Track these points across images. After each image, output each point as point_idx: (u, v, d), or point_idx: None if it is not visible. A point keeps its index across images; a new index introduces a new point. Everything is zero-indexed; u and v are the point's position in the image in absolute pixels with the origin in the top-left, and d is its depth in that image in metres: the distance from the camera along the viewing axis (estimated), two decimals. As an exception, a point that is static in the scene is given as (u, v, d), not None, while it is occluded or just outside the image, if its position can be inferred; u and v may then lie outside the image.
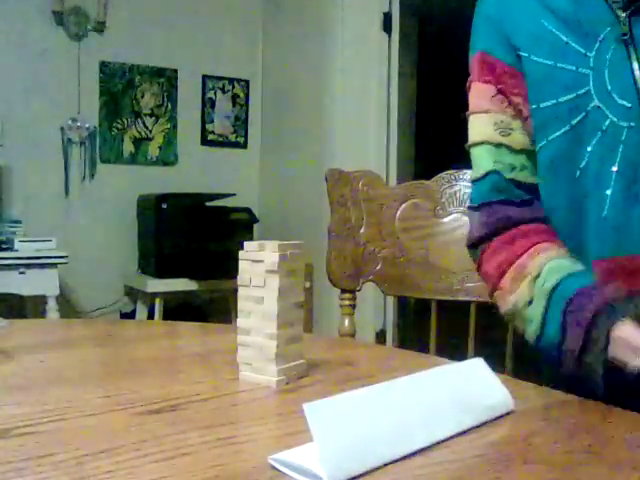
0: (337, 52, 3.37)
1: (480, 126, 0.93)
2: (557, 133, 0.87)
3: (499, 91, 0.91)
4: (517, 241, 0.88)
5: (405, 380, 0.63)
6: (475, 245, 0.94)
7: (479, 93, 0.93)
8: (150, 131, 3.76)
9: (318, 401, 0.53)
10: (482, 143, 0.92)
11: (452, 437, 0.60)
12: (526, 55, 0.89)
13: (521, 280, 0.85)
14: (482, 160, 0.93)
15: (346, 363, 0.94)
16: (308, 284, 3.24)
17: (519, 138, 0.91)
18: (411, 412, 0.59)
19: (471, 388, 0.67)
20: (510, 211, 0.91)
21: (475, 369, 0.70)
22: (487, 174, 0.92)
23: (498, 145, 0.91)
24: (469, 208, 0.96)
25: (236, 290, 0.83)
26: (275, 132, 3.93)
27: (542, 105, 0.87)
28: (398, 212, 1.31)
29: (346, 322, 1.31)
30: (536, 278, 0.84)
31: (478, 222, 0.93)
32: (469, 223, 0.96)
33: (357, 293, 1.33)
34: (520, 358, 1.21)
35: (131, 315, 3.55)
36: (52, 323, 1.98)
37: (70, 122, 3.50)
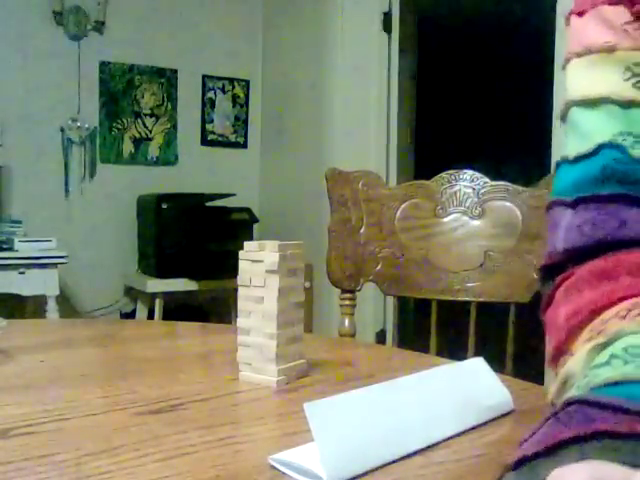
0: (337, 52, 3.37)
1: (594, 73, 0.53)
2: None
3: (636, 15, 0.51)
4: (623, 276, 0.46)
5: (405, 380, 0.63)
6: (555, 268, 0.51)
7: (596, 23, 0.53)
8: (150, 131, 3.76)
9: (319, 401, 0.53)
10: (597, 102, 0.52)
11: (452, 437, 0.60)
12: None
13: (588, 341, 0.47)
14: (594, 126, 0.52)
15: (346, 363, 0.94)
16: (308, 284, 3.24)
17: None
18: (411, 412, 0.59)
19: (471, 388, 0.67)
20: (631, 215, 0.48)
21: (475, 369, 0.70)
22: (599, 148, 0.50)
23: (627, 105, 0.50)
24: (554, 204, 0.52)
25: (236, 290, 0.83)
26: (275, 132, 3.93)
27: None
28: (398, 212, 1.31)
29: (346, 322, 1.31)
30: (602, 348, 0.44)
31: (570, 228, 0.50)
32: (551, 229, 0.53)
33: (357, 293, 1.33)
34: (520, 358, 1.21)
35: (131, 315, 3.55)
36: (52, 323, 1.98)
37: (70, 122, 3.50)
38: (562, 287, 0.50)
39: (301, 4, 3.70)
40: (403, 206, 1.31)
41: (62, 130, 3.48)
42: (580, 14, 0.54)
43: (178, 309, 3.48)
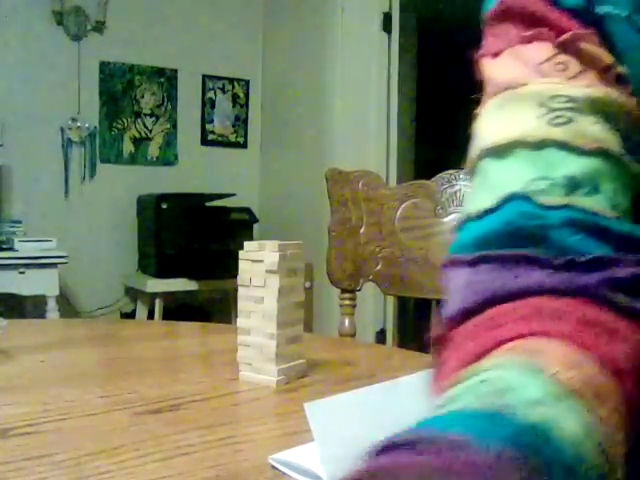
0: (337, 52, 3.37)
1: (505, 116, 0.44)
2: None
3: (561, 47, 0.43)
4: (510, 323, 0.37)
5: (406, 379, 0.63)
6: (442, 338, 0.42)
7: (510, 62, 0.45)
8: (150, 131, 3.76)
9: (319, 400, 0.53)
10: (507, 148, 0.43)
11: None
12: None
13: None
14: (505, 176, 0.43)
15: (346, 363, 0.94)
16: (308, 284, 3.24)
17: (592, 129, 0.41)
18: (412, 412, 0.59)
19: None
20: (537, 276, 0.38)
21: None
22: (505, 201, 0.41)
23: (540, 145, 0.41)
24: (451, 263, 0.43)
25: (236, 290, 0.83)
26: (275, 132, 3.93)
27: None
28: (398, 212, 1.31)
29: (346, 322, 1.31)
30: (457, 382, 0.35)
31: (465, 288, 0.41)
32: (447, 292, 0.44)
33: (357, 293, 1.33)
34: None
35: (131, 315, 3.55)
36: (52, 323, 1.98)
37: (70, 122, 3.50)
38: (454, 343, 0.40)
39: (301, 4, 3.70)
40: (403, 206, 1.31)
41: (62, 130, 3.48)
42: (495, 55, 0.47)
43: (178, 309, 3.48)
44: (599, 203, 0.40)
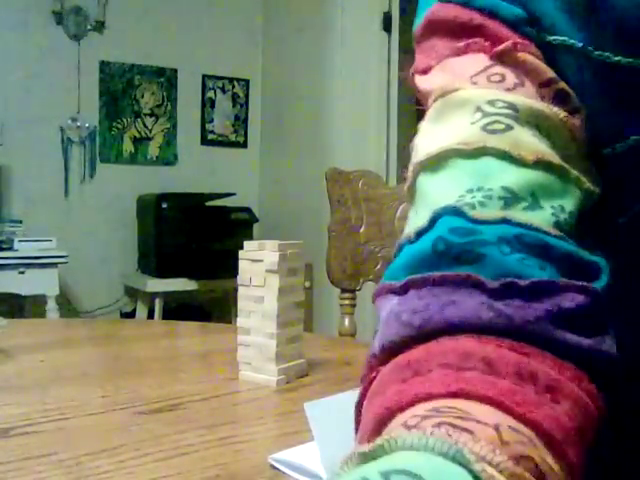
0: (337, 52, 3.37)
1: (438, 126, 0.41)
2: None
3: (498, 57, 0.40)
4: (435, 369, 0.31)
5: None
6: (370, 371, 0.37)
7: (442, 75, 0.42)
8: (150, 131, 3.76)
9: (319, 400, 0.53)
10: (440, 159, 0.39)
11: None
12: None
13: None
14: (439, 190, 0.39)
15: (346, 363, 0.94)
16: (308, 284, 3.24)
17: (531, 139, 0.38)
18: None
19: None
20: (471, 306, 0.33)
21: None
22: (435, 218, 0.37)
23: (475, 154, 0.38)
24: (381, 292, 0.39)
25: (236, 290, 0.83)
26: (275, 132, 3.93)
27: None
28: (398, 211, 1.31)
29: (346, 322, 1.31)
30: (358, 463, 0.29)
31: (390, 319, 0.37)
32: (377, 324, 0.40)
33: (357, 293, 1.33)
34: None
35: (131, 315, 3.55)
36: (52, 323, 1.98)
37: (70, 122, 3.50)
38: (367, 395, 0.35)
39: (301, 4, 3.70)
40: (403, 205, 1.31)
41: (62, 130, 3.48)
42: (424, 72, 0.43)
43: (178, 309, 3.48)
44: (540, 218, 0.35)
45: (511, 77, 0.39)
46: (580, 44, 0.39)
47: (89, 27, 3.54)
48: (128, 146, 3.69)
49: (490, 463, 0.25)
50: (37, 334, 1.12)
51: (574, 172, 0.38)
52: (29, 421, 0.64)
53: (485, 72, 0.39)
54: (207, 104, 3.94)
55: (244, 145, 4.06)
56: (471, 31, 0.40)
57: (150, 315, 3.34)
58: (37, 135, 3.41)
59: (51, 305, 2.97)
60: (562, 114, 0.39)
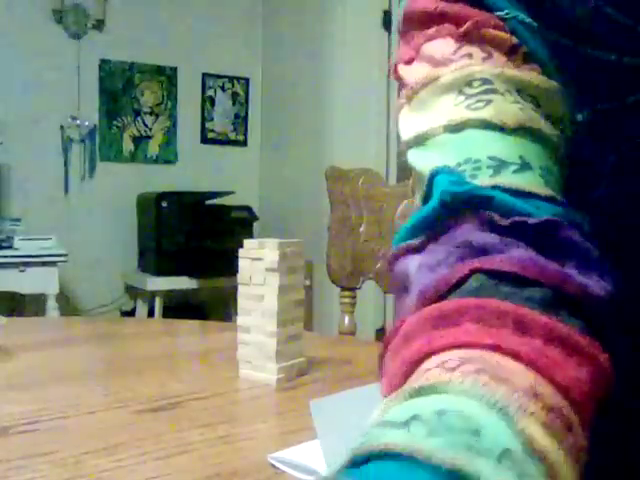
0: (337, 50, 3.37)
1: (424, 110, 0.43)
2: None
3: (464, 38, 0.43)
4: (466, 323, 0.33)
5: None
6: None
7: (422, 64, 0.45)
8: (150, 129, 3.75)
9: (324, 398, 0.53)
10: (427, 137, 0.42)
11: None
12: None
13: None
14: (429, 164, 0.41)
15: (346, 361, 0.94)
16: (308, 282, 3.24)
17: (511, 108, 0.40)
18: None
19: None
20: (487, 240, 0.36)
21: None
22: (432, 177, 0.40)
23: (460, 127, 0.40)
24: (396, 257, 0.40)
25: (236, 288, 0.83)
26: (275, 130, 3.93)
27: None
28: (398, 210, 1.31)
29: (346, 320, 1.31)
30: (406, 398, 0.30)
31: (427, 271, 0.37)
32: (398, 291, 0.41)
33: (357, 291, 1.33)
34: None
35: (131, 313, 3.55)
36: (52, 321, 1.98)
37: (70, 120, 3.50)
38: (391, 343, 0.38)
39: (301, 2, 3.69)
40: (403, 204, 1.31)
41: (62, 128, 3.48)
42: (408, 62, 0.46)
43: (178, 307, 3.48)
44: (530, 180, 0.37)
45: (478, 53, 0.42)
46: (535, 23, 0.42)
47: (89, 25, 3.53)
48: (128, 144, 3.69)
49: (526, 412, 0.27)
50: (37, 333, 1.12)
51: (554, 133, 0.40)
52: (29, 419, 0.64)
53: (456, 53, 0.42)
54: (207, 103, 3.94)
55: (244, 144, 4.06)
56: (438, 18, 0.44)
57: (150, 314, 3.35)
58: (37, 133, 3.41)
59: (51, 303, 2.97)
60: (533, 74, 0.41)
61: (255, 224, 3.52)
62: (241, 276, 0.81)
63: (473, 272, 0.35)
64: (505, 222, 0.35)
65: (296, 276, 0.82)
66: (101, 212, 3.59)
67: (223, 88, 3.99)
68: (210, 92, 3.95)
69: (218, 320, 2.95)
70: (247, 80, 4.05)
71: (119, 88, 3.66)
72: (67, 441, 0.58)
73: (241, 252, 0.81)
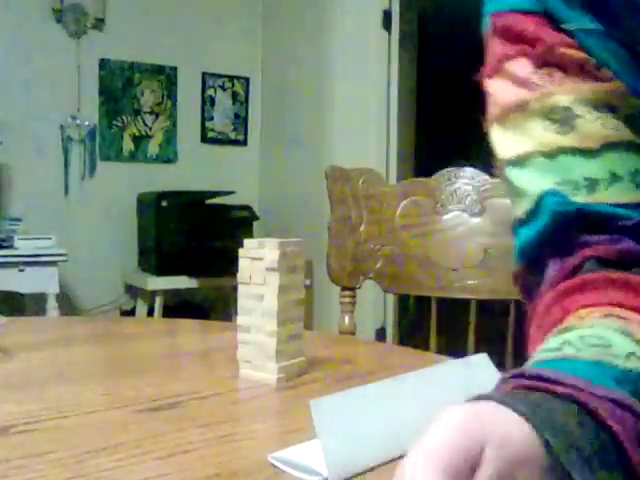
0: (337, 49, 3.36)
1: (517, 132, 0.51)
2: None
3: (542, 59, 0.49)
4: (599, 291, 0.46)
5: (409, 377, 0.63)
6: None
7: (505, 82, 0.52)
8: (150, 129, 3.75)
9: (324, 397, 0.53)
10: (525, 159, 0.50)
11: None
12: None
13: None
14: (528, 184, 0.50)
15: (346, 361, 0.94)
16: (308, 282, 3.24)
17: (593, 128, 0.47)
18: (417, 409, 0.59)
19: (475, 384, 0.67)
20: (595, 239, 0.48)
21: (479, 365, 0.70)
22: (540, 200, 0.49)
23: (555, 153, 0.48)
24: (519, 276, 0.54)
25: (236, 288, 0.83)
26: (275, 130, 3.92)
27: None
28: (398, 210, 1.31)
29: (346, 319, 1.31)
30: (558, 333, 0.43)
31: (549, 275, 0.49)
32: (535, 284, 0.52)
33: (357, 290, 1.33)
34: (520, 356, 1.21)
35: (131, 313, 3.55)
36: (52, 321, 1.98)
37: (70, 120, 3.50)
38: (533, 320, 0.50)
39: (301, 2, 3.69)
40: (403, 203, 1.31)
41: (62, 128, 3.48)
42: (490, 76, 0.54)
43: (178, 307, 3.48)
44: (619, 191, 0.47)
45: (557, 73, 0.49)
46: (601, 27, 0.48)
47: (89, 25, 3.53)
48: (128, 144, 3.69)
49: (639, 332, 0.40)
50: (37, 332, 1.12)
51: (635, 138, 0.48)
52: (29, 419, 0.63)
53: (535, 74, 0.50)
54: (207, 102, 3.94)
55: (244, 143, 4.06)
56: (516, 37, 0.51)
57: (150, 313, 3.35)
58: (37, 133, 3.41)
59: (51, 303, 2.97)
60: (605, 85, 0.48)
61: (255, 224, 3.52)
62: (241, 276, 0.81)
63: (587, 259, 0.47)
64: (612, 226, 0.47)
65: (296, 276, 0.82)
66: (101, 212, 3.59)
67: (223, 87, 3.99)
68: (210, 91, 3.95)
69: (218, 320, 2.95)
70: (247, 80, 4.04)
71: (119, 88, 3.66)
72: (67, 441, 0.58)
73: (241, 252, 0.81)
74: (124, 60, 3.66)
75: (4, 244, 2.95)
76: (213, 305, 3.72)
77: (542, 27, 0.50)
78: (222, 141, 3.99)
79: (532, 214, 0.50)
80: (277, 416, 0.72)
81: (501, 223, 1.23)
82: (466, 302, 1.27)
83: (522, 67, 0.50)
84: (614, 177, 0.47)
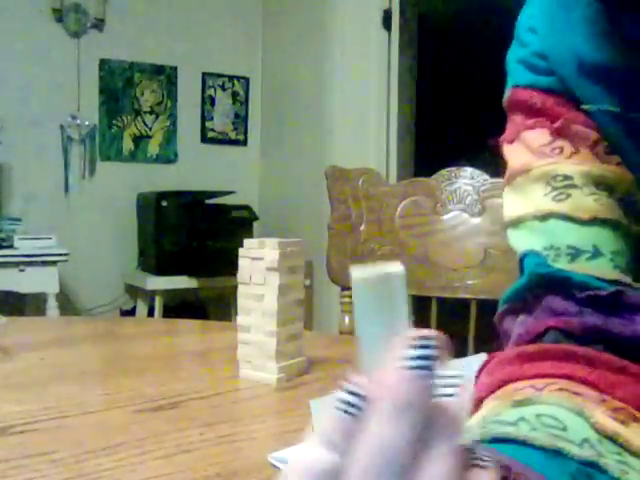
0: (337, 49, 3.36)
1: (519, 195, 0.54)
2: None
3: (557, 132, 0.52)
4: (549, 361, 0.46)
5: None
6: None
7: (520, 149, 0.55)
8: (150, 129, 3.75)
9: (324, 397, 0.53)
10: (520, 220, 0.54)
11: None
12: None
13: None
14: (520, 244, 0.54)
15: (346, 361, 0.94)
16: (308, 281, 3.24)
17: (587, 201, 0.50)
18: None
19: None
20: (563, 305, 0.49)
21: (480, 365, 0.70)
22: (523, 259, 0.53)
23: (546, 217, 0.51)
24: (501, 317, 0.54)
25: (236, 288, 0.83)
26: (275, 129, 3.92)
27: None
28: (398, 209, 1.31)
29: (346, 319, 1.31)
30: (512, 406, 0.43)
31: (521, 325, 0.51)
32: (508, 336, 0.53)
33: (357, 291, 1.33)
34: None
35: (131, 313, 3.55)
36: (52, 321, 1.98)
37: (70, 120, 3.50)
38: (486, 366, 0.51)
39: (301, 2, 3.69)
40: (403, 203, 1.31)
41: (62, 128, 3.48)
42: (510, 142, 0.57)
43: (178, 307, 3.48)
44: (600, 266, 0.48)
45: (568, 147, 0.52)
46: (618, 109, 0.50)
47: (89, 25, 3.53)
48: (128, 144, 3.69)
49: (596, 410, 0.40)
50: (37, 332, 1.12)
51: (624, 221, 0.50)
52: (29, 419, 0.64)
53: (549, 145, 0.53)
54: (207, 102, 3.94)
55: (244, 143, 4.06)
56: (536, 111, 0.54)
57: (150, 313, 3.35)
58: (37, 133, 3.41)
59: (51, 303, 2.97)
60: (610, 168, 0.50)
61: (255, 224, 3.52)
62: (241, 275, 0.81)
63: (550, 328, 0.48)
64: (582, 295, 0.47)
65: (296, 275, 0.82)
66: (101, 212, 3.59)
67: (223, 87, 3.99)
68: (210, 91, 3.95)
69: (218, 320, 2.95)
70: (247, 79, 4.04)
71: (119, 87, 3.66)
72: (67, 441, 0.58)
73: (241, 251, 0.81)
74: (124, 60, 3.66)
75: (4, 244, 2.95)
76: (213, 305, 3.72)
77: (561, 105, 0.53)
78: (222, 141, 3.99)
79: (519, 272, 0.54)
80: (277, 416, 0.72)
81: (501, 223, 1.23)
82: (466, 302, 1.27)
83: (538, 137, 0.53)
84: (596, 251, 0.49)
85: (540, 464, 0.36)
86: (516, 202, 0.55)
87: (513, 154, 0.56)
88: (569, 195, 0.50)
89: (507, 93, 0.58)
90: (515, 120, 0.57)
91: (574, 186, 0.50)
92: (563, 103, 0.53)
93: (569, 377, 0.44)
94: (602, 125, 0.51)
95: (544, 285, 0.49)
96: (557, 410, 0.40)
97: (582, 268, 0.48)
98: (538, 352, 0.46)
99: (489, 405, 0.44)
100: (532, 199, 0.52)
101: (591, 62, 0.50)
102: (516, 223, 0.54)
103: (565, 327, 0.47)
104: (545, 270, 0.49)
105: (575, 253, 0.49)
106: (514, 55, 0.58)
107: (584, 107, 0.51)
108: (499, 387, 0.46)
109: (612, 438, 0.39)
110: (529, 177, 0.53)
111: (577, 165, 0.51)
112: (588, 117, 0.51)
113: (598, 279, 0.47)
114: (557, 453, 0.37)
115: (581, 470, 0.36)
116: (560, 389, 0.42)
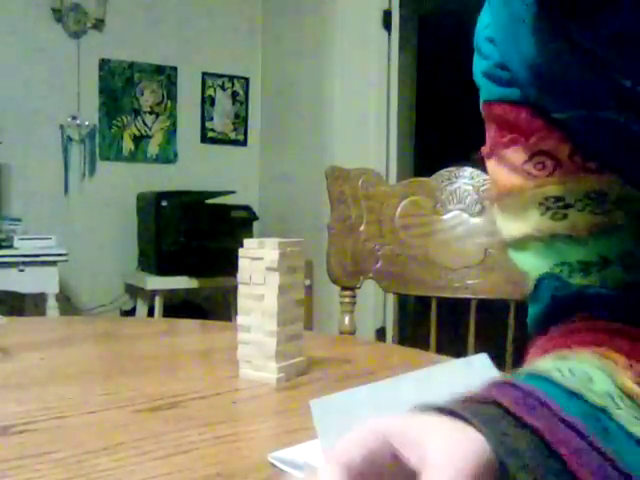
0: (337, 49, 3.36)
1: (514, 215, 0.55)
2: None
3: (533, 149, 0.53)
4: (585, 332, 0.51)
5: (410, 376, 0.63)
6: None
7: (502, 167, 0.55)
8: (150, 129, 3.75)
9: (324, 397, 0.53)
10: (524, 242, 0.55)
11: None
12: None
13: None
14: (529, 265, 0.56)
15: (346, 360, 0.94)
16: (308, 282, 3.24)
17: (583, 216, 0.52)
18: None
19: (476, 384, 0.67)
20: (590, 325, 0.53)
21: (480, 365, 0.70)
22: (539, 283, 0.55)
23: (551, 239, 0.53)
24: (532, 342, 0.58)
25: (236, 288, 0.83)
26: (275, 130, 3.92)
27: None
28: (398, 209, 1.31)
29: (346, 319, 1.31)
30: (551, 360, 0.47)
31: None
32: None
33: (357, 290, 1.33)
34: (520, 356, 1.20)
35: (131, 313, 3.55)
36: (52, 321, 1.98)
37: (70, 120, 3.50)
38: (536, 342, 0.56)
39: (301, 2, 3.69)
40: (403, 203, 1.31)
41: (62, 128, 3.48)
42: (489, 157, 0.57)
43: (178, 307, 3.48)
44: (609, 275, 0.52)
45: (549, 162, 0.52)
46: (584, 111, 0.50)
47: (89, 25, 3.53)
48: (128, 144, 3.69)
49: (621, 374, 0.43)
50: (37, 332, 1.12)
51: (624, 219, 0.51)
52: (29, 419, 0.64)
53: (530, 162, 0.53)
54: (207, 102, 3.94)
55: (244, 143, 4.06)
56: (511, 126, 0.54)
57: (150, 313, 3.35)
58: (37, 133, 3.41)
59: (51, 303, 2.97)
60: (590, 176, 0.51)
61: (255, 224, 3.52)
62: (241, 275, 0.81)
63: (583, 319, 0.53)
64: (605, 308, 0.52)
65: (296, 275, 0.82)
66: (101, 212, 3.59)
67: (223, 87, 3.99)
68: (210, 91, 3.95)
69: (218, 320, 2.95)
70: (247, 79, 4.04)
71: (119, 87, 3.66)
72: (67, 441, 0.58)
73: (241, 251, 0.81)
74: (124, 60, 3.66)
75: (4, 244, 2.95)
76: (213, 305, 3.72)
77: (533, 118, 0.53)
78: (222, 141, 3.99)
79: (534, 295, 0.55)
80: (277, 416, 0.72)
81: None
82: (466, 302, 1.27)
83: (516, 155, 0.54)
84: (605, 261, 0.52)
85: (559, 397, 0.39)
86: (513, 223, 0.56)
87: (497, 172, 0.56)
88: (565, 215, 0.52)
89: (481, 107, 0.58)
90: (491, 135, 0.57)
91: (568, 206, 0.52)
92: (536, 115, 0.52)
93: (605, 345, 0.47)
94: (577, 130, 0.51)
95: (573, 305, 0.53)
96: (588, 367, 0.44)
97: (596, 280, 0.52)
98: (578, 328, 0.51)
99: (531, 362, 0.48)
100: (529, 220, 0.54)
101: (546, 71, 0.50)
102: (520, 246, 0.56)
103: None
104: (570, 290, 0.53)
105: (586, 267, 0.52)
106: (478, 68, 0.57)
107: (555, 116, 0.51)
108: (547, 350, 0.51)
109: (633, 399, 0.42)
110: (519, 200, 0.54)
111: (564, 184, 0.52)
112: (561, 125, 0.52)
113: (614, 289, 0.51)
114: (576, 395, 0.40)
115: (592, 413, 0.39)
116: (594, 352, 0.46)
